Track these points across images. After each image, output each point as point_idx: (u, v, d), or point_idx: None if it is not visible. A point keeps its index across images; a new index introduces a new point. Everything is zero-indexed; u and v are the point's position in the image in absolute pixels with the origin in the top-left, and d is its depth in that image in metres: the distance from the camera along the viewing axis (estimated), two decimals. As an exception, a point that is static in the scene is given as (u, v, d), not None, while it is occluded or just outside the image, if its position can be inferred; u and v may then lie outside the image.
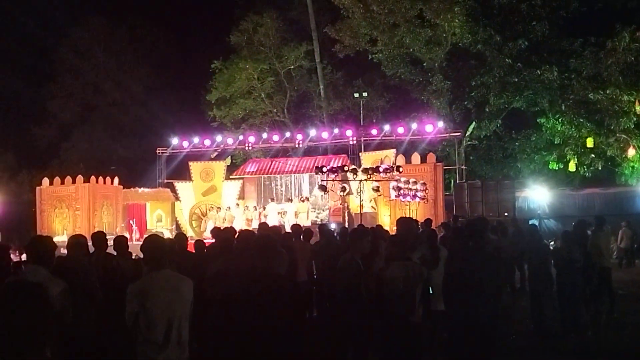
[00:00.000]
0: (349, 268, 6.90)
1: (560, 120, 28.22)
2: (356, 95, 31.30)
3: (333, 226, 21.56)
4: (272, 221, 22.91)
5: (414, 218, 19.30)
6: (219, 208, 27.05)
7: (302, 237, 10.99)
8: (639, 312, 11.70)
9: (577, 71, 27.93)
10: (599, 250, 11.38)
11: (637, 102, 26.23)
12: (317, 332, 9.25)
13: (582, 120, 27.82)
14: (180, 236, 10.26)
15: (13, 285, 2.58)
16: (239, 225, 24.21)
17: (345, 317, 6.85)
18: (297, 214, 25.06)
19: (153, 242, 5.04)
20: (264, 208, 26.81)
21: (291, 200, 26.54)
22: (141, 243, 5.36)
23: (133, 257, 9.11)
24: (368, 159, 26.08)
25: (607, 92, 26.53)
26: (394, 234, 8.69)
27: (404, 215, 15.31)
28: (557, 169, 29.25)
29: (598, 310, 11.00)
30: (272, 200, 27.06)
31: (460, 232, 9.20)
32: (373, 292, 6.50)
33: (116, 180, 27.19)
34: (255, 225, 22.10)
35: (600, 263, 11.34)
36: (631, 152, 26.92)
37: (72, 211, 25.53)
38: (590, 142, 27.12)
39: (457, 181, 26.82)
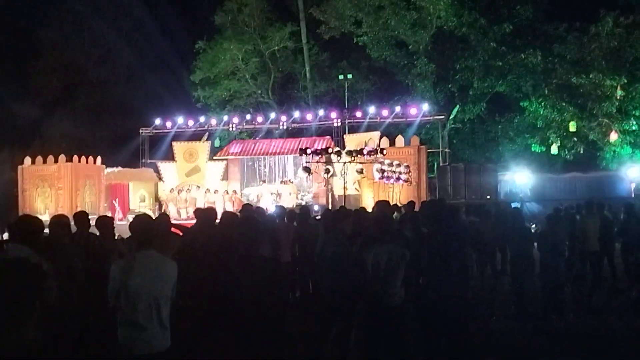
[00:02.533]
0: (332, 248, 6.94)
1: (543, 104, 28.37)
2: (341, 77, 31.26)
3: (316, 208, 21.66)
4: (266, 203, 22.96)
5: (397, 200, 19.47)
6: (180, 190, 26.85)
7: (285, 218, 11.00)
8: (619, 295, 11.83)
9: (560, 56, 28.04)
10: (587, 234, 11.57)
11: (619, 87, 26.42)
12: (300, 313, 9.30)
13: (564, 104, 27.98)
14: (163, 217, 10.22)
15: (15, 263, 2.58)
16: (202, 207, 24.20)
17: (328, 298, 6.89)
18: (280, 195, 25.09)
19: (142, 222, 5.02)
20: (235, 192, 26.80)
21: (270, 182, 26.56)
22: (129, 222, 5.34)
23: (115, 237, 9.09)
24: (352, 141, 26.11)
25: (590, 76, 26.68)
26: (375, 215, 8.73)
27: (385, 199, 15.35)
28: (539, 151, 29.43)
29: (580, 293, 11.13)
30: (264, 182, 26.96)
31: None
32: (355, 273, 6.54)
33: (99, 159, 27.02)
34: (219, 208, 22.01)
35: (588, 247, 11.51)
36: (613, 136, 27.15)
37: (55, 190, 25.37)
38: (572, 126, 27.32)
39: (441, 164, 26.95)
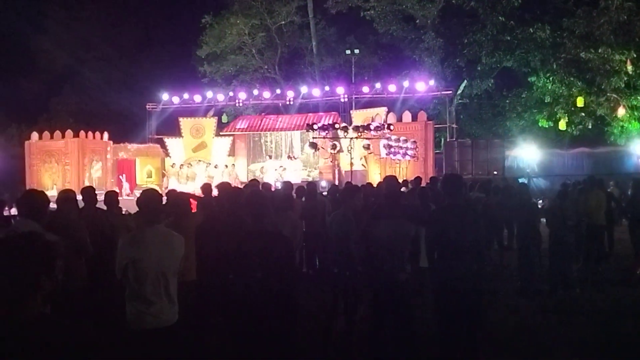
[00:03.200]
0: (341, 223, 6.95)
1: (551, 79, 28.18)
2: (348, 52, 31.09)
3: (323, 184, 21.65)
4: (271, 178, 22.96)
5: (404, 176, 19.45)
6: (182, 165, 26.88)
7: (293, 194, 11.01)
8: (625, 271, 11.84)
9: (569, 30, 27.75)
10: (594, 209, 11.57)
11: (628, 62, 26.18)
12: (307, 288, 9.34)
13: (573, 79, 27.78)
14: (182, 194, 10.23)
15: (4, 237, 2.58)
16: (202, 182, 24.25)
17: (335, 272, 6.91)
18: (285, 170, 25.12)
19: (150, 196, 5.02)
20: (234, 166, 26.87)
21: (276, 157, 26.58)
22: (136, 197, 5.35)
23: (123, 212, 9.12)
24: (359, 116, 26.02)
25: (599, 51, 26.43)
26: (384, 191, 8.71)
27: (392, 174, 15.34)
28: (547, 127, 29.29)
29: (587, 268, 11.14)
30: (270, 157, 26.93)
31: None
32: (362, 248, 6.55)
33: (106, 135, 27.04)
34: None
35: (595, 221, 11.51)
36: (621, 111, 26.98)
37: (62, 166, 25.43)
38: (580, 102, 27.14)
39: (448, 139, 26.86)
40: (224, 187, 7.34)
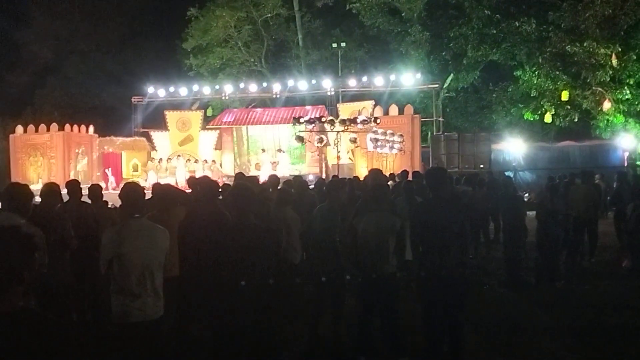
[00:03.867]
0: (326, 217, 6.94)
1: (537, 72, 28.26)
2: (334, 45, 31.05)
3: (310, 177, 21.63)
4: (266, 171, 22.87)
5: (391, 170, 19.47)
6: (161, 159, 26.74)
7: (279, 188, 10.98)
8: (611, 263, 11.93)
9: (555, 24, 27.82)
10: (581, 202, 11.66)
11: (613, 56, 26.29)
12: (296, 281, 9.32)
13: (558, 72, 27.86)
14: (164, 186, 10.19)
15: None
16: (182, 176, 24.28)
17: (321, 266, 6.90)
18: (276, 163, 25.09)
19: (131, 190, 5.01)
20: (214, 161, 26.81)
21: (264, 151, 26.49)
22: (119, 191, 5.33)
23: (109, 206, 9.07)
24: (346, 110, 26.01)
25: (584, 44, 26.51)
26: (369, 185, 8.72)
27: (377, 167, 15.35)
28: (532, 120, 29.40)
29: (572, 261, 11.20)
30: (264, 151, 26.82)
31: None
32: (347, 242, 6.55)
33: (91, 128, 26.91)
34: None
35: (581, 214, 11.59)
36: (606, 105, 27.09)
37: (47, 159, 25.29)
38: (565, 96, 27.26)
39: (434, 133, 26.92)
40: (199, 181, 7.32)
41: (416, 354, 6.42)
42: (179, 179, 23.67)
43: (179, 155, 26.96)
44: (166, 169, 25.63)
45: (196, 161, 26.52)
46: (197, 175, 21.83)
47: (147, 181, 23.17)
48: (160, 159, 26.64)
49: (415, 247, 6.04)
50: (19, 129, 26.16)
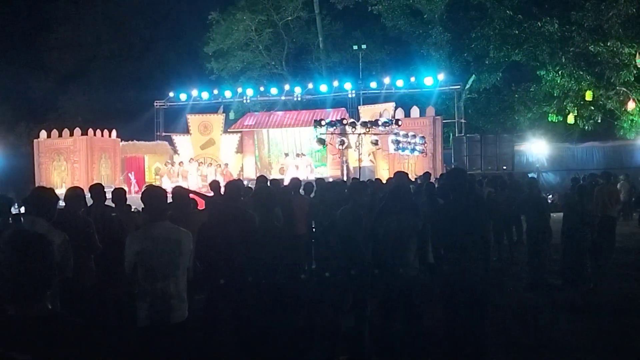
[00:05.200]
0: (349, 220, 6.92)
1: (560, 72, 28.00)
2: (355, 47, 31.03)
3: (331, 180, 21.59)
4: (291, 175, 22.82)
5: (413, 172, 19.40)
6: (173, 163, 26.73)
7: (301, 190, 11.00)
8: (635, 264, 11.80)
9: (578, 23, 27.55)
10: (606, 203, 11.59)
11: (637, 55, 25.95)
12: (316, 284, 9.32)
13: (582, 72, 27.60)
14: (181, 190, 10.24)
15: (14, 236, 2.57)
16: (194, 180, 24.37)
17: (343, 268, 6.89)
18: (297, 167, 25.09)
19: (153, 193, 5.02)
20: (226, 165, 26.83)
21: (287, 155, 26.50)
22: (141, 194, 5.34)
23: (132, 210, 9.13)
24: (367, 112, 25.94)
25: (608, 44, 26.26)
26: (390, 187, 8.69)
27: (401, 169, 15.31)
28: (556, 121, 29.14)
29: (600, 262, 11.08)
30: (287, 155, 26.78)
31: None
32: (369, 244, 6.53)
33: (114, 133, 27.08)
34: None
35: (605, 213, 11.51)
36: (631, 105, 26.81)
37: (71, 164, 25.48)
38: (589, 95, 26.98)
39: (456, 134, 26.78)
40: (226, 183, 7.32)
41: (438, 358, 6.38)
42: (191, 183, 23.78)
43: (191, 160, 27.00)
44: (178, 173, 25.66)
45: (209, 165, 26.60)
46: (209, 179, 21.83)
47: (162, 186, 23.23)
48: (173, 163, 26.69)
49: (436, 250, 6.00)
50: (43, 134, 26.38)
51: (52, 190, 5.80)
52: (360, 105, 27.73)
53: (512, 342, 7.17)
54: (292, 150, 27.56)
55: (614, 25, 26.43)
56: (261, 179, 10.79)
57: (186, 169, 26.00)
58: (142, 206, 5.24)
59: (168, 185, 22.67)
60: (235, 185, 6.89)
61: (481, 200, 10.01)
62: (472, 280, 5.73)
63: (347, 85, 28.41)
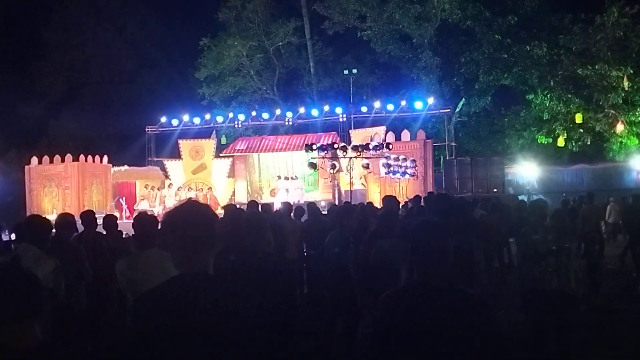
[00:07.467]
0: (339, 244, 6.94)
1: (549, 96, 28.28)
2: (346, 72, 31.25)
3: (323, 204, 21.63)
4: (281, 198, 22.78)
5: (404, 195, 19.45)
6: (153, 187, 26.46)
7: (292, 214, 11.01)
8: (625, 287, 11.83)
9: (566, 47, 27.89)
10: (592, 224, 11.69)
11: (625, 78, 26.29)
12: (308, 308, 9.32)
13: (570, 95, 27.88)
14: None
15: (3, 270, 2.59)
16: (171, 205, 24.25)
17: (334, 293, 6.90)
18: (287, 190, 25.09)
19: (143, 220, 5.06)
20: (210, 189, 26.82)
21: (279, 177, 26.49)
22: (132, 221, 5.38)
23: (123, 236, 9.13)
24: (358, 136, 26.04)
25: (596, 67, 26.56)
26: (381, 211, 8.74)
27: (391, 193, 15.36)
28: (546, 144, 29.33)
29: (595, 282, 11.11)
30: (280, 177, 26.82)
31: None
32: (360, 267, 6.55)
33: (105, 158, 27.04)
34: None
35: (593, 234, 11.59)
36: (619, 127, 27.04)
37: (62, 190, 25.40)
38: (579, 118, 27.22)
39: (447, 158, 26.90)
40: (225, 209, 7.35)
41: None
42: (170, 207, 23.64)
43: (170, 184, 26.93)
44: (156, 197, 25.50)
45: (189, 189, 26.56)
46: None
47: (139, 210, 23.06)
48: (152, 187, 26.52)
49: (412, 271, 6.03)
50: (34, 160, 26.32)
51: (46, 219, 5.86)
52: (351, 129, 27.82)
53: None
54: (284, 174, 27.59)
55: (602, 48, 26.77)
56: (252, 204, 10.82)
57: (163, 194, 25.86)
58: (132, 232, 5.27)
59: (146, 209, 22.49)
60: (233, 211, 6.93)
61: (473, 222, 10.06)
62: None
63: (338, 110, 28.52)
